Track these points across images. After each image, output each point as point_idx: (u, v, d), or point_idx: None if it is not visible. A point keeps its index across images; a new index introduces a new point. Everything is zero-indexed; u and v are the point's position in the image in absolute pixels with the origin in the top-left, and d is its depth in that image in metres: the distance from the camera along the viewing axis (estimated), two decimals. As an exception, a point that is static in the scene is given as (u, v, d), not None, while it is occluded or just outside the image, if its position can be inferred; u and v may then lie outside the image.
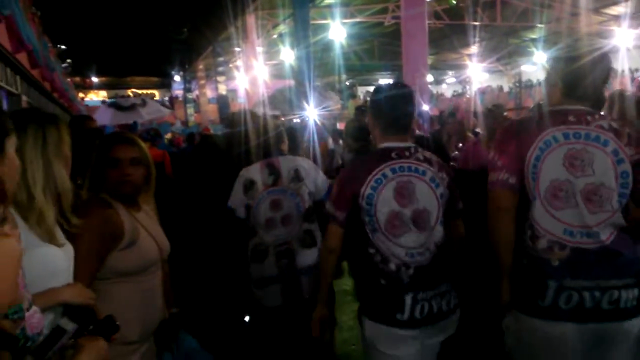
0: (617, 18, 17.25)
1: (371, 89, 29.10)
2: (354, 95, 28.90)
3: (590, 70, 1.87)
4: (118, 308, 1.63)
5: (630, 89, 16.24)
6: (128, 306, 1.83)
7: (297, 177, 2.75)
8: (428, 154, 2.10)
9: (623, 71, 22.19)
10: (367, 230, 2.00)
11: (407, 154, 2.04)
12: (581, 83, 1.87)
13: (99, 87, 27.50)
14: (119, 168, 1.92)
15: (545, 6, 15.73)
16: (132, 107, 10.39)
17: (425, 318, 1.94)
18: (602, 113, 1.93)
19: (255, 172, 2.76)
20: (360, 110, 8.67)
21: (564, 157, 1.78)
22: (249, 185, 2.74)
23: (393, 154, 2.03)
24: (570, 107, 1.86)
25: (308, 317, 2.13)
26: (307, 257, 2.72)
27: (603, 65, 1.92)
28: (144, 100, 11.12)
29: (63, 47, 15.34)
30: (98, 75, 23.95)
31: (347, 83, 28.03)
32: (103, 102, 11.63)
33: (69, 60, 16.70)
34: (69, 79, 16.37)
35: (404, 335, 1.93)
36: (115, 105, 10.81)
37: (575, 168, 1.77)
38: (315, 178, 2.82)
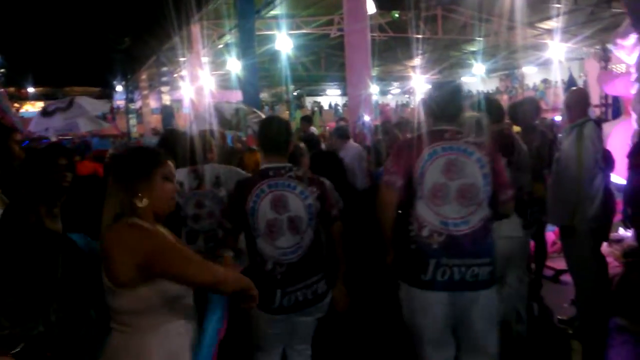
0: (550, 32, 18.16)
1: (319, 99, 29.39)
2: (301, 106, 29.03)
3: (452, 99, 2.46)
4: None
5: (562, 98, 17.08)
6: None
7: (217, 182, 3.23)
8: (301, 173, 2.58)
9: (556, 82, 23.44)
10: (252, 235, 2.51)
11: (282, 172, 2.52)
12: (448, 109, 2.44)
13: (36, 97, 26.26)
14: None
15: (483, 20, 16.35)
16: (53, 112, 9.73)
17: (292, 306, 2.47)
18: (461, 130, 2.45)
19: (182, 175, 3.18)
20: (305, 119, 8.74)
21: (443, 165, 2.32)
22: (178, 185, 3.11)
23: (270, 173, 2.52)
24: (445, 127, 2.41)
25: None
26: None
27: (461, 95, 2.54)
28: (71, 102, 10.25)
29: (-5, 55, 14.60)
30: (35, 85, 22.88)
31: (295, 93, 28.14)
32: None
33: (2, 70, 15.88)
34: (2, 90, 15.54)
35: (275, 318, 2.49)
36: (42, 110, 10.13)
37: (451, 173, 2.32)
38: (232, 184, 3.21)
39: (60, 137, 10.17)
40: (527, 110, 4.42)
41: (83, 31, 12.70)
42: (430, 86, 2.59)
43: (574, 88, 4.17)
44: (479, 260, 2.32)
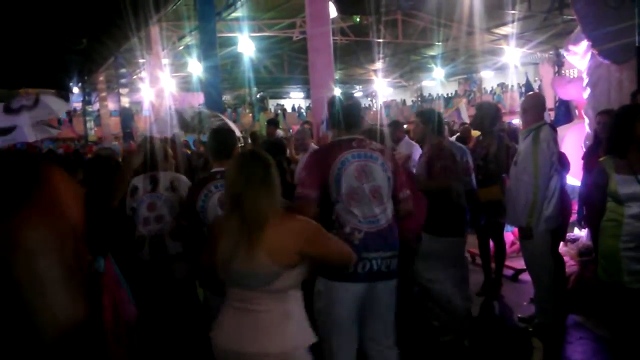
0: (506, 37, 18.70)
1: (282, 102, 29.29)
2: (265, 108, 28.90)
3: (357, 111, 2.78)
4: None
5: (518, 102, 17.66)
6: None
7: (172, 187, 3.43)
8: None
9: (512, 86, 24.16)
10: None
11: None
12: (354, 120, 2.73)
13: (-14, 99, 25.27)
14: None
15: (442, 25, 16.69)
16: (19, 110, 9.39)
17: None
18: (366, 139, 2.73)
19: (139, 180, 3.46)
20: (272, 123, 8.65)
21: (354, 171, 2.58)
22: (134, 190, 3.44)
23: (217, 176, 2.80)
24: (352, 137, 2.68)
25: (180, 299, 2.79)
26: (177, 246, 3.27)
27: (362, 107, 2.96)
28: (37, 101, 9.94)
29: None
30: (-15, 86, 21.98)
31: (258, 96, 27.99)
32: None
33: (-52, 71, 15.16)
34: (-52, 91, 14.84)
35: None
36: (5, 106, 9.68)
37: (363, 177, 2.58)
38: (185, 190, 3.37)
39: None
40: (484, 115, 4.55)
41: (37, 31, 12.25)
42: (334, 100, 2.80)
43: (530, 93, 4.31)
44: (391, 253, 2.62)
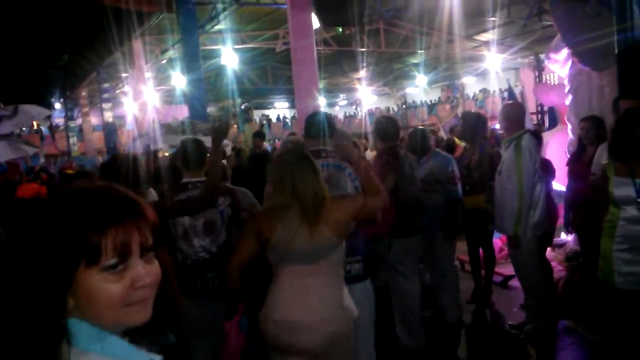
0: (486, 44, 18.94)
1: (267, 112, 29.24)
2: (249, 119, 28.87)
3: (327, 124, 3.02)
4: None
5: (500, 107, 17.82)
6: None
7: None
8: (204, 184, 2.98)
9: (494, 92, 24.45)
10: None
11: (198, 185, 3.00)
12: (324, 132, 2.95)
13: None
14: None
15: (424, 33, 16.85)
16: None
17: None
18: (333, 150, 2.94)
19: None
20: (258, 135, 8.61)
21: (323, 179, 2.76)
22: None
23: (189, 186, 2.95)
24: (321, 148, 2.92)
25: None
26: None
27: (333, 121, 3.16)
28: (15, 109, 9.90)
29: None
30: (-37, 104, 21.67)
31: (242, 107, 27.96)
32: None
33: None
34: None
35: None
36: None
37: (329, 186, 2.68)
38: None
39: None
40: (465, 125, 4.62)
41: (18, 46, 12.12)
42: (310, 114, 3.13)
43: (509, 102, 4.37)
44: (352, 259, 2.79)
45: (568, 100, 5.16)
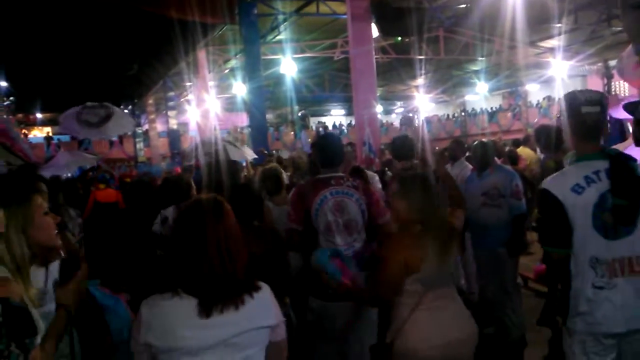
0: (552, 50, 18.31)
1: (323, 119, 29.44)
2: (306, 126, 29.21)
3: (337, 151, 3.15)
4: None
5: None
6: None
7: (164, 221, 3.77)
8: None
9: (559, 99, 23.58)
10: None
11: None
12: (333, 159, 3.09)
13: (43, 123, 26.56)
14: None
15: (485, 40, 16.52)
16: (99, 123, 10.00)
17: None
18: (343, 175, 3.11)
19: (169, 212, 3.82)
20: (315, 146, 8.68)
21: (332, 206, 2.98)
22: (164, 220, 3.78)
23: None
24: (331, 175, 3.05)
25: None
26: None
27: (342, 146, 3.32)
28: (108, 114, 10.37)
29: (4, 84, 14.84)
30: (43, 111, 23.19)
31: (300, 114, 28.35)
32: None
33: (11, 98, 16.12)
34: (11, 117, 15.79)
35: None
36: (83, 119, 10.20)
37: (338, 212, 2.98)
38: None
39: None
40: (537, 137, 4.50)
41: (91, 57, 12.90)
42: (317, 139, 3.27)
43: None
44: (363, 273, 2.88)
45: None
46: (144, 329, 1.51)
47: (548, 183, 2.22)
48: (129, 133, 24.96)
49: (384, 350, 2.40)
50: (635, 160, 2.18)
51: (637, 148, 5.24)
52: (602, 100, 2.17)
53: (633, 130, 3.60)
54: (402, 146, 4.32)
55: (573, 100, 2.20)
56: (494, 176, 4.24)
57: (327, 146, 3.13)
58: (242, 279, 1.57)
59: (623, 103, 6.10)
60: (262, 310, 1.59)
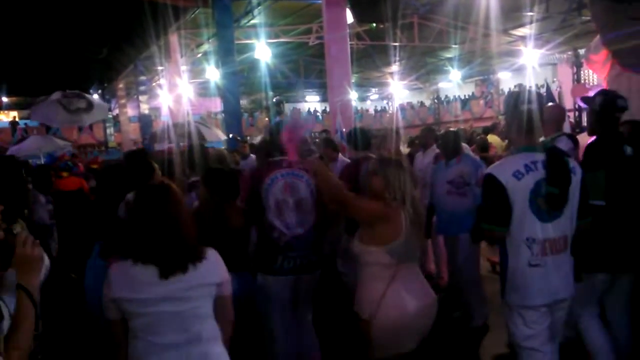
0: (523, 39, 18.55)
1: (298, 105, 29.32)
2: (281, 112, 29.02)
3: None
4: None
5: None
6: None
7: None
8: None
9: (530, 87, 23.98)
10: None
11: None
12: (279, 145, 3.14)
13: (9, 107, 25.74)
14: None
15: (459, 28, 16.64)
16: (76, 111, 10.39)
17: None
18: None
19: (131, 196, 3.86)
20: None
21: (282, 186, 3.16)
22: (127, 204, 3.68)
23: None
24: (283, 158, 3.19)
25: None
26: None
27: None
28: (90, 104, 10.74)
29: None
30: (8, 95, 22.47)
31: (274, 100, 28.14)
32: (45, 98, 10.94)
33: (-25, 81, 15.57)
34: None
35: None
36: (62, 104, 10.46)
37: (289, 192, 3.15)
38: None
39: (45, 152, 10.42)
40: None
41: (59, 41, 12.53)
42: (270, 126, 3.48)
43: (551, 104, 4.31)
44: (310, 252, 3.18)
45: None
46: (114, 287, 1.92)
47: (493, 168, 2.52)
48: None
49: (363, 324, 2.53)
50: (568, 155, 2.56)
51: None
52: (539, 99, 2.49)
53: (587, 120, 3.76)
54: (357, 137, 4.39)
55: (514, 99, 2.50)
56: (461, 165, 4.31)
57: (279, 132, 3.21)
58: (191, 248, 1.98)
59: (580, 96, 6.28)
60: (208, 271, 1.99)
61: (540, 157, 2.43)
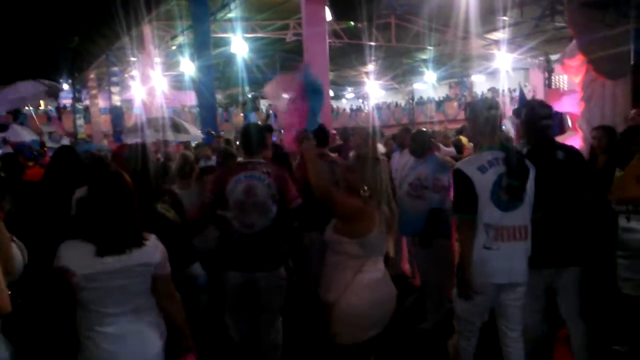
0: (497, 43, 18.85)
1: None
2: (256, 108, 28.84)
3: (257, 139, 3.42)
4: None
5: (508, 106, 17.83)
6: None
7: None
8: None
9: (503, 91, 24.37)
10: None
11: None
12: (253, 146, 3.38)
13: (-27, 94, 24.89)
14: None
15: (435, 30, 16.78)
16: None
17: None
18: (261, 162, 3.36)
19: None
20: (267, 130, 8.52)
21: (244, 188, 3.25)
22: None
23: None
24: (249, 160, 3.35)
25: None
26: None
27: (263, 135, 3.60)
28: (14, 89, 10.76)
29: None
30: (-28, 82, 21.68)
31: (250, 95, 27.92)
32: None
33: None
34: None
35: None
36: None
37: (249, 194, 3.24)
38: None
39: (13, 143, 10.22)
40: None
41: (29, 29, 12.12)
42: (241, 129, 3.61)
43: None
44: (265, 251, 3.27)
45: (580, 108, 5.14)
46: (60, 259, 2.13)
47: (460, 164, 2.86)
48: (67, 107, 23.82)
49: (326, 308, 2.70)
50: (524, 154, 2.92)
51: (575, 137, 5.48)
52: (498, 105, 2.88)
53: (518, 128, 3.94)
54: (317, 134, 4.37)
55: (479, 105, 2.89)
56: (423, 167, 4.20)
57: (247, 135, 3.44)
58: (131, 232, 2.20)
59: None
60: (145, 253, 2.20)
61: (500, 154, 2.76)
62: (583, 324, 3.15)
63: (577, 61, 5.08)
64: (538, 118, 3.08)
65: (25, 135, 10.72)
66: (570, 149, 3.17)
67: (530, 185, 2.78)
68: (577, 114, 5.35)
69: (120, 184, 2.25)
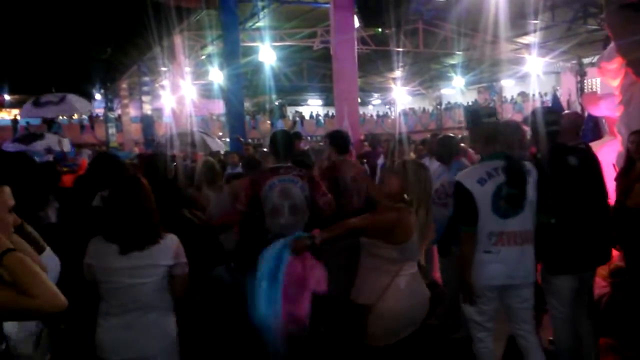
0: (527, 47, 18.54)
1: (300, 109, 29.35)
2: (283, 115, 29.01)
3: (289, 146, 3.65)
4: None
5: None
6: None
7: None
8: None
9: (534, 95, 23.93)
10: None
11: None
12: (285, 152, 3.55)
13: (12, 105, 25.69)
14: None
15: (463, 35, 16.62)
16: (45, 104, 11.38)
17: None
18: (291, 166, 3.53)
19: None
20: (295, 136, 8.55)
21: (279, 191, 3.39)
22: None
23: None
24: (280, 165, 3.51)
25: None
26: None
27: (293, 142, 3.84)
28: (63, 98, 11.59)
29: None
30: (11, 93, 22.40)
31: (277, 103, 28.12)
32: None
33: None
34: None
35: None
36: (34, 100, 11.59)
37: (284, 196, 3.38)
38: None
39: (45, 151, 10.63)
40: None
41: (62, 39, 12.49)
42: (271, 136, 3.69)
43: (568, 112, 4.23)
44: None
45: (619, 112, 5.00)
46: (88, 255, 2.37)
47: (460, 176, 2.90)
48: (99, 116, 24.41)
49: (362, 311, 2.71)
50: (524, 163, 2.90)
51: (613, 142, 5.33)
52: (496, 113, 3.05)
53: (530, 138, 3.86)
54: (338, 140, 4.35)
55: (476, 114, 3.07)
56: (448, 173, 4.08)
57: (278, 141, 3.57)
58: (150, 231, 2.36)
59: (592, 104, 6.21)
60: (162, 253, 2.37)
61: (501, 163, 2.80)
62: (590, 323, 3.21)
63: (616, 64, 4.94)
64: (544, 125, 3.05)
65: (65, 143, 11.48)
66: (585, 154, 3.12)
67: (531, 190, 2.81)
68: (615, 117, 5.20)
69: (136, 187, 2.41)
